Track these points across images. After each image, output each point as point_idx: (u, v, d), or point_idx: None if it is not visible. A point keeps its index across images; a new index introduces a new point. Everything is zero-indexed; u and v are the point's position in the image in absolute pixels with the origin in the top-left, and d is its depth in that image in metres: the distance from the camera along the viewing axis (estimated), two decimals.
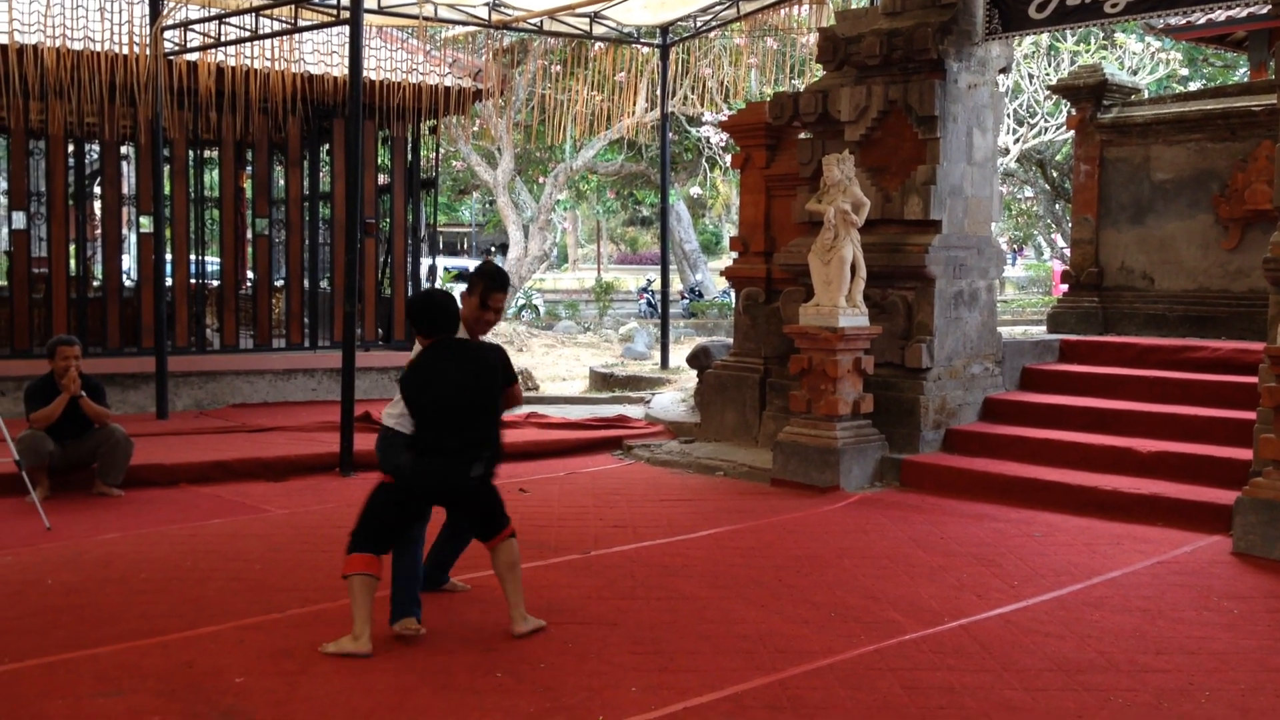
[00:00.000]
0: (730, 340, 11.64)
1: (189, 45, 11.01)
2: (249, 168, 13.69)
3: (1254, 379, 7.67)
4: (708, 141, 23.67)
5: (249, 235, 13.71)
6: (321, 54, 12.00)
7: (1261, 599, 5.83)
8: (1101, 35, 20.63)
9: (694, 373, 11.98)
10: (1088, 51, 20.11)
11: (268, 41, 11.13)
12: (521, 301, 25.95)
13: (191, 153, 12.47)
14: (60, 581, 5.97)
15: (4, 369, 10.91)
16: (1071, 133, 12.46)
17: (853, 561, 6.47)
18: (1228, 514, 6.91)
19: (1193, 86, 21.92)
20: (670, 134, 16.72)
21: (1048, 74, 20.69)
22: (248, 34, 10.73)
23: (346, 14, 9.40)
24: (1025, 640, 5.12)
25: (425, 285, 13.86)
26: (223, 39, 10.87)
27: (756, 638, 5.10)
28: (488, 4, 13.02)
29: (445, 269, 26.77)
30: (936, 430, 9.01)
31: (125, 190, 13.73)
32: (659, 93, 15.48)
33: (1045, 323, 12.24)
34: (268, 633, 5.15)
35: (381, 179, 13.59)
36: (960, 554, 6.65)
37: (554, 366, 17.96)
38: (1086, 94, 11.54)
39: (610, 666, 4.73)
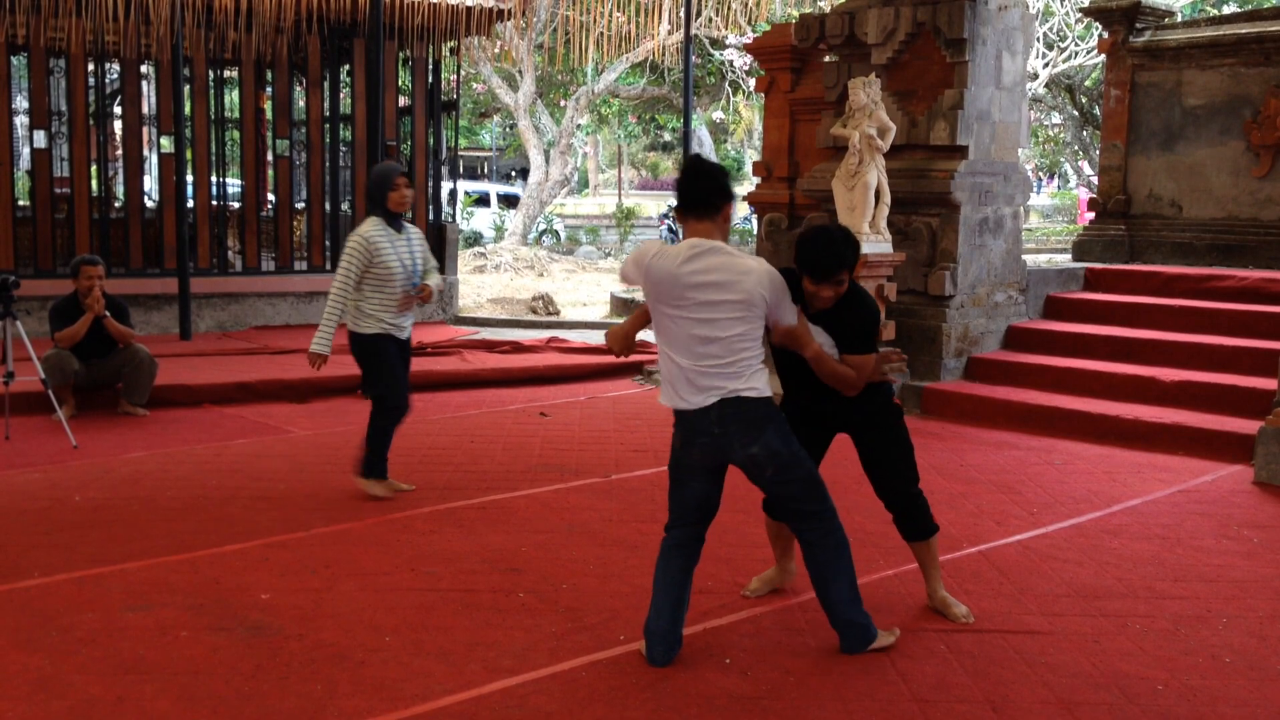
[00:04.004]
0: None
1: None
2: (269, 88, 13.60)
3: None
4: (731, 65, 23.36)
5: (270, 157, 13.66)
6: None
7: None
8: None
9: None
10: None
11: None
12: (542, 226, 25.86)
13: (211, 73, 12.38)
14: (88, 499, 6.05)
15: (29, 289, 10.92)
16: (1102, 57, 12.25)
17: (871, 488, 6.47)
18: (1250, 444, 6.89)
19: (1228, 9, 21.44)
20: (694, 57, 16.48)
21: None
22: None
23: None
24: (1044, 566, 5.15)
25: (447, 210, 13.81)
26: None
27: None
28: None
29: (466, 193, 26.66)
30: (959, 358, 8.98)
31: (146, 110, 13.67)
32: (682, 14, 15.23)
33: (1070, 251, 12.13)
34: (293, 550, 5.21)
35: (402, 101, 13.49)
36: (980, 481, 6.66)
37: (575, 292, 17.95)
38: (1119, 17, 11.31)
39: (631, 588, 4.77)
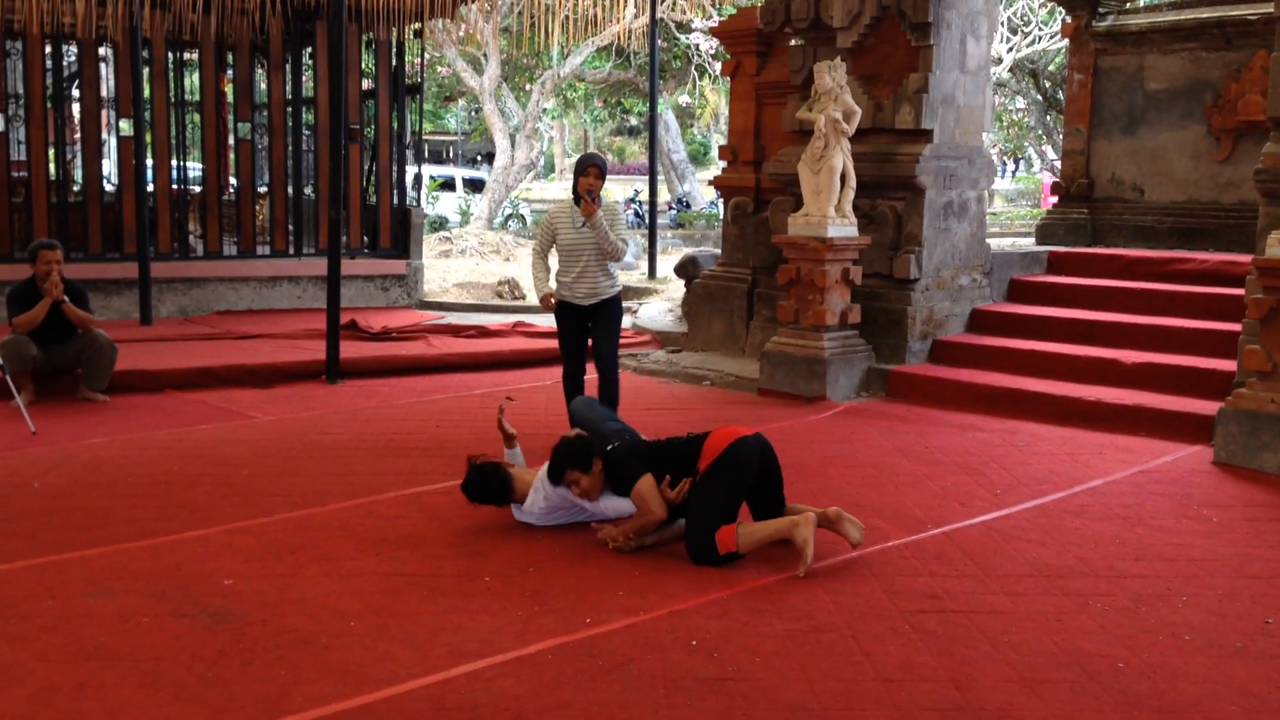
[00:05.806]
0: (718, 251, 11.59)
1: None
2: (230, 71, 13.44)
3: (1240, 291, 7.68)
4: (697, 49, 23.34)
5: (231, 140, 13.51)
6: None
7: (1240, 507, 5.90)
8: None
9: (681, 283, 11.95)
10: None
11: None
12: (508, 211, 25.76)
13: (171, 55, 12.21)
14: (47, 485, 5.98)
15: None
16: (1065, 42, 12.31)
17: (838, 470, 6.51)
18: (1210, 424, 6.96)
19: None
20: (659, 41, 16.42)
21: None
22: None
23: None
24: (1007, 547, 5.18)
25: (411, 194, 13.73)
26: None
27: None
28: None
29: (431, 177, 26.49)
30: (923, 341, 9.02)
31: (104, 93, 13.48)
32: None
33: (1034, 234, 12.21)
34: (256, 536, 5.17)
35: (365, 84, 13.37)
36: (944, 463, 6.70)
37: None
38: (1082, 2, 11.37)
39: (597, 571, 4.77)
